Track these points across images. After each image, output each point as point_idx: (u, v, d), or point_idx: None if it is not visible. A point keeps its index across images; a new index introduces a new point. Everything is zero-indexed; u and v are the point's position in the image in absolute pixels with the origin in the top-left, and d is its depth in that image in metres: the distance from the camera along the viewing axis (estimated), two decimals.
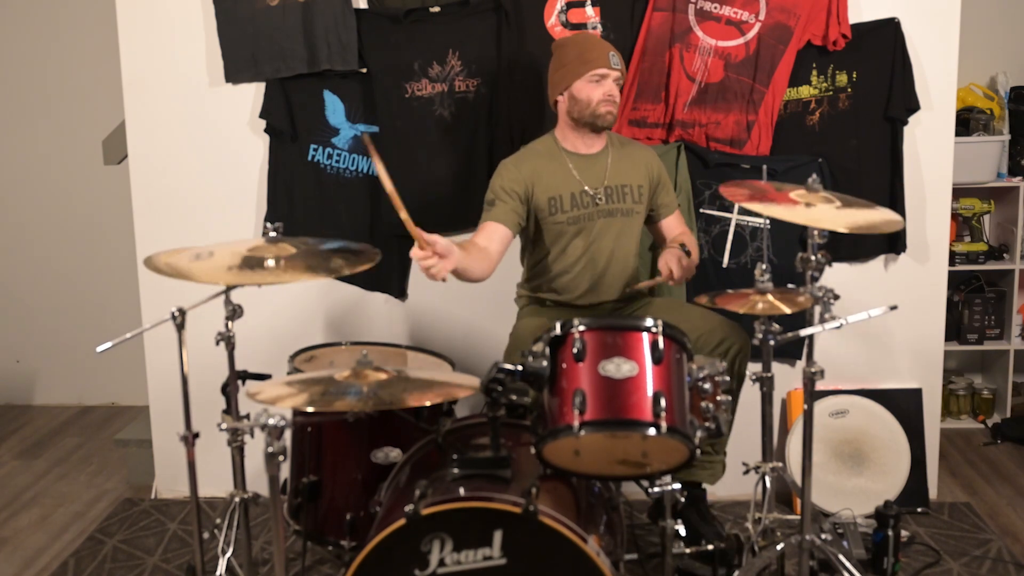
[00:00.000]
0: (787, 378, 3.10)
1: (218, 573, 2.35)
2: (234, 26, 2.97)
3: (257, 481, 2.05)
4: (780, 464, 2.42)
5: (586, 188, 2.59)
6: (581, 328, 1.94)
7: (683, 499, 2.11)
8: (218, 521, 2.42)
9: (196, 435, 2.06)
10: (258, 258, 1.97)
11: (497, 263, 2.51)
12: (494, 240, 2.51)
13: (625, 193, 2.62)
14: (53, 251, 4.24)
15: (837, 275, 2.98)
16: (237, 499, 2.28)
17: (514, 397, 1.95)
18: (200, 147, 3.10)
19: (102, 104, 3.88)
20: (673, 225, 2.74)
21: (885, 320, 2.24)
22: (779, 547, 2.22)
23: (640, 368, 1.90)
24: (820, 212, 2.07)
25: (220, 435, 2.10)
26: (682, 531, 2.09)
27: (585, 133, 2.60)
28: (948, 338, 3.37)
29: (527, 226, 2.65)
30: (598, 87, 2.52)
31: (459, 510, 1.81)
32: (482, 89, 2.98)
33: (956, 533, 2.88)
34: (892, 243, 3.01)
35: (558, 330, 1.95)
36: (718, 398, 2.02)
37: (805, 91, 2.96)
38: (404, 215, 1.92)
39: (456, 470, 1.94)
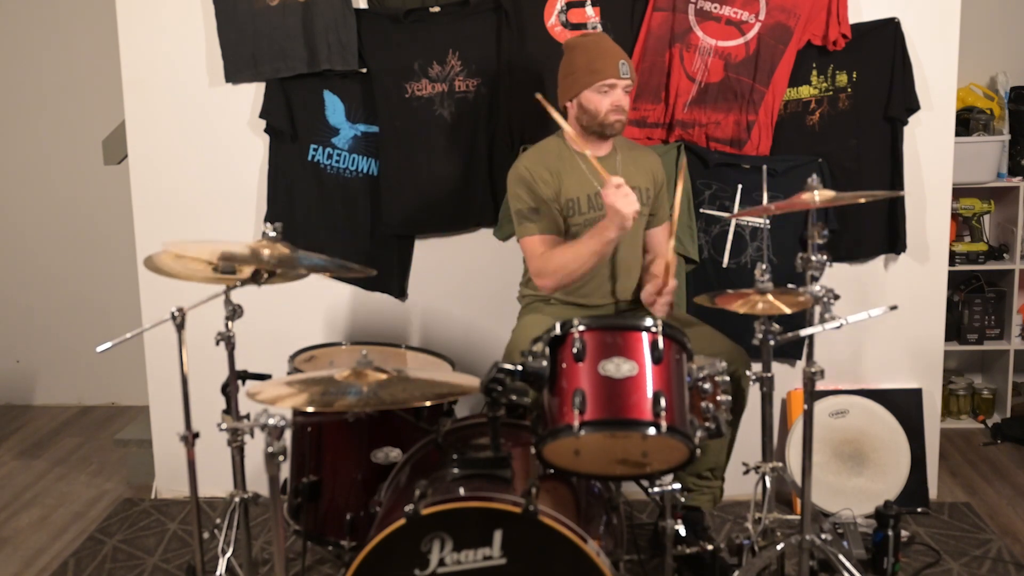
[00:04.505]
0: (787, 378, 3.10)
1: (218, 573, 2.35)
2: (234, 26, 2.97)
3: (257, 481, 2.04)
4: (780, 464, 2.42)
5: (600, 190, 2.59)
6: (581, 328, 1.93)
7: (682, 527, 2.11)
8: (218, 521, 2.42)
9: (196, 435, 2.05)
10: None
11: None
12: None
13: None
14: (53, 251, 4.24)
15: (837, 275, 2.98)
16: (237, 499, 2.27)
17: (514, 397, 1.95)
18: (200, 147, 3.10)
19: (102, 104, 3.88)
20: (659, 239, 2.73)
21: (885, 320, 2.24)
22: (779, 547, 2.22)
23: (640, 368, 1.90)
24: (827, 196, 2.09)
25: (220, 435, 2.09)
26: (682, 531, 2.08)
27: (592, 139, 2.60)
28: (948, 338, 3.37)
29: None
30: (606, 97, 2.51)
31: (459, 510, 1.81)
32: (482, 89, 2.97)
33: (956, 533, 2.88)
34: (892, 243, 3.01)
35: (558, 330, 1.95)
36: (718, 398, 2.02)
37: (805, 91, 2.96)
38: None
39: (456, 470, 1.94)
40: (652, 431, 1.85)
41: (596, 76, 2.51)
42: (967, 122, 3.55)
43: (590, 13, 2.94)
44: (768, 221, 2.98)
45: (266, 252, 2.01)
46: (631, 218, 2.30)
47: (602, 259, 2.46)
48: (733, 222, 3.00)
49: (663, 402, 1.85)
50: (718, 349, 2.51)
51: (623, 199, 2.29)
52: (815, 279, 2.09)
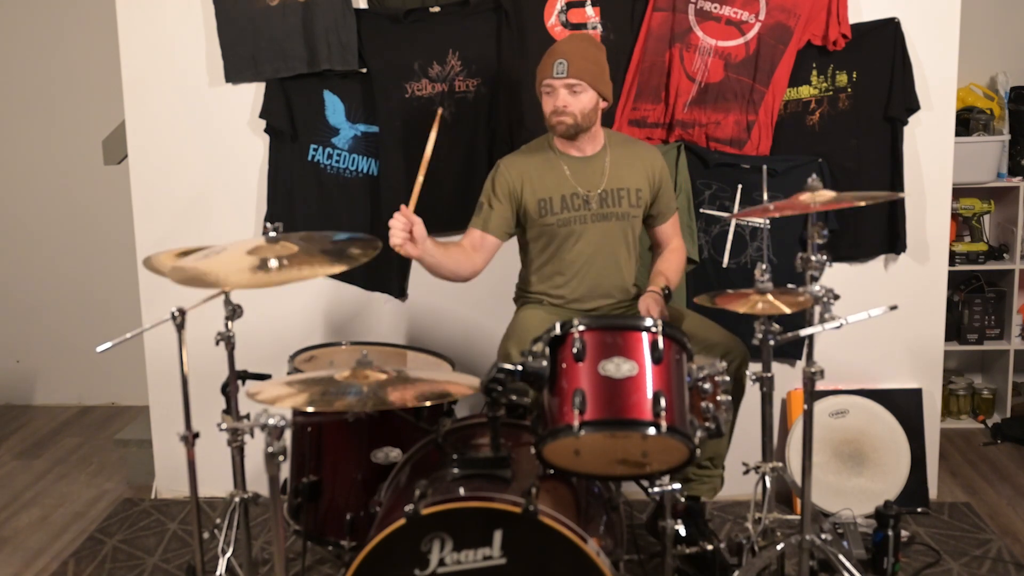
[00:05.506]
0: (787, 378, 3.10)
1: (218, 573, 2.35)
2: (234, 26, 2.97)
3: (257, 481, 2.04)
4: (780, 464, 2.42)
5: (579, 190, 2.59)
6: (581, 328, 1.94)
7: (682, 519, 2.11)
8: (218, 521, 2.42)
9: (196, 435, 2.05)
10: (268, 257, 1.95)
11: (482, 268, 2.60)
12: (478, 247, 2.59)
13: (621, 197, 2.61)
14: (53, 251, 4.24)
15: (837, 275, 2.98)
16: (237, 499, 2.27)
17: (514, 397, 1.95)
18: (200, 147, 3.10)
19: (102, 104, 3.88)
20: (667, 233, 2.73)
21: (885, 320, 2.24)
22: (779, 547, 2.22)
23: (640, 368, 1.90)
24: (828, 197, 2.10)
25: (220, 435, 2.09)
26: (682, 531, 2.09)
27: (565, 141, 2.60)
28: (948, 338, 3.37)
29: (521, 226, 2.66)
30: (549, 99, 2.54)
31: (459, 510, 1.81)
32: (482, 89, 2.97)
33: (956, 533, 2.88)
34: (892, 243, 3.01)
35: (558, 330, 1.95)
36: (718, 398, 2.02)
37: (805, 91, 2.96)
38: (417, 189, 2.33)
39: (456, 470, 1.94)
40: (652, 431, 1.85)
41: (538, 79, 2.56)
42: (967, 122, 3.56)
43: (590, 13, 2.94)
44: (768, 221, 2.98)
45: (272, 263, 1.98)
46: (395, 248, 2.35)
47: (434, 272, 2.49)
48: (733, 222, 3.00)
49: (663, 402, 1.85)
50: (714, 339, 2.51)
51: (391, 235, 2.35)
52: (815, 279, 2.09)
